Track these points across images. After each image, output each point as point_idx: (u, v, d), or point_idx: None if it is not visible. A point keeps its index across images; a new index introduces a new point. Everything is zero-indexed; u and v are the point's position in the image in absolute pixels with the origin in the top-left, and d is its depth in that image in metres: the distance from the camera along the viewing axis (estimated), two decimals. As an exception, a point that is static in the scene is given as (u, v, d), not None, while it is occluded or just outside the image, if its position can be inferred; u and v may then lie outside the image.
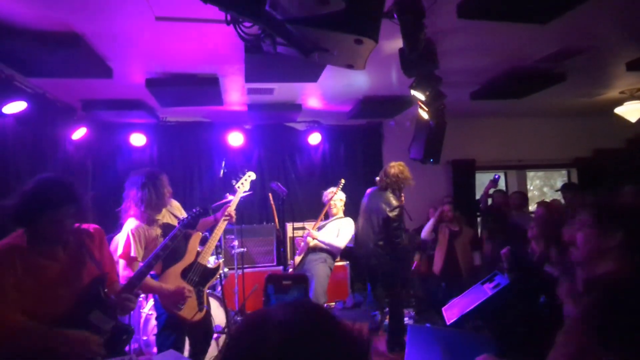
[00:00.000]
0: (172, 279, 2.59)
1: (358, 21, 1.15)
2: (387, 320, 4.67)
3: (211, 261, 4.23)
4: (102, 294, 1.81)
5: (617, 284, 1.21)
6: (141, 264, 2.22)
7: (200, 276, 2.68)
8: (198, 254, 2.80)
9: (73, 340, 1.66)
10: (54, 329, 1.64)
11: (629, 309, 0.87)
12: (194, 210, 2.54)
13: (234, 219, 3.10)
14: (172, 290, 2.53)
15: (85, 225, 1.91)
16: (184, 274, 2.64)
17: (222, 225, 3.01)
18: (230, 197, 3.91)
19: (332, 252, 4.05)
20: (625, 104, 5.34)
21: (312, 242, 4.04)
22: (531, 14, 2.78)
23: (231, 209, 3.12)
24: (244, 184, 3.37)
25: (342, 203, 4.31)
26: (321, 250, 4.01)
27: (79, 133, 5.05)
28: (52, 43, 3.14)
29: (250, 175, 3.46)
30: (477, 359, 1.97)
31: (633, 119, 5.43)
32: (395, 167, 4.17)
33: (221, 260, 3.51)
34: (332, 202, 4.23)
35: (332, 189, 4.36)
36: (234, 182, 3.31)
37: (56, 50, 3.22)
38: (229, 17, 1.26)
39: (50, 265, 1.73)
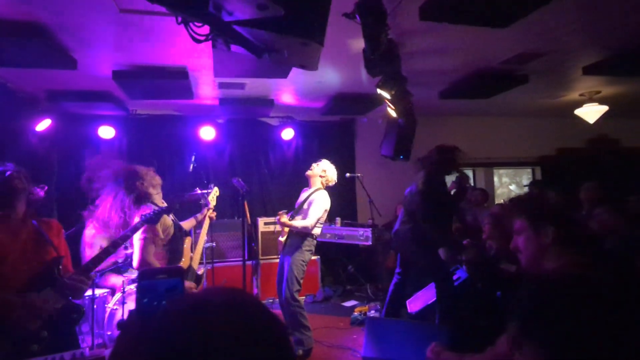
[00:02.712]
0: None
1: (302, 24, 1.19)
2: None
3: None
4: (56, 273, 1.91)
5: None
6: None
7: (194, 281, 2.78)
8: (191, 258, 2.89)
9: (21, 304, 1.74)
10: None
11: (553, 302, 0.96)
12: (157, 207, 2.57)
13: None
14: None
15: (45, 220, 2.05)
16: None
17: (204, 230, 3.27)
18: (198, 191, 3.97)
19: (306, 234, 3.83)
20: (585, 105, 5.60)
21: (283, 219, 3.86)
22: (490, 18, 2.89)
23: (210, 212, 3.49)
24: (212, 201, 3.62)
25: (322, 175, 3.99)
26: (297, 233, 3.84)
27: (43, 124, 4.92)
28: (13, 32, 3.06)
29: (216, 192, 3.70)
30: (428, 348, 2.08)
31: (591, 120, 5.69)
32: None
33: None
34: (309, 172, 4.02)
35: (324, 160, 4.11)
36: (202, 201, 3.60)
37: (17, 40, 3.14)
38: (179, 18, 1.28)
39: (11, 242, 1.84)
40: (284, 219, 3.82)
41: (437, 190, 3.83)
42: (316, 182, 4.01)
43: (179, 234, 3.00)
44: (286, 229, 3.96)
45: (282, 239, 4.02)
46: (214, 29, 1.28)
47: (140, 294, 1.04)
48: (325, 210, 3.94)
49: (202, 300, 0.60)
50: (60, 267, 1.94)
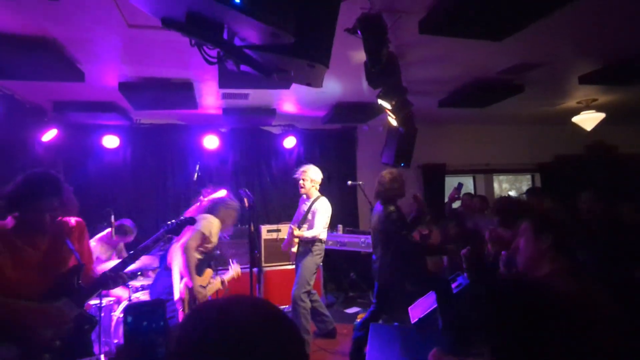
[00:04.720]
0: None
1: (310, 49, 1.28)
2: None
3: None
4: (75, 283, 1.94)
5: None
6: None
7: None
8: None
9: (38, 311, 1.78)
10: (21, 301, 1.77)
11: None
12: (180, 217, 2.60)
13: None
14: (201, 290, 3.15)
15: (67, 218, 2.06)
16: None
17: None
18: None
19: (315, 240, 4.10)
20: (582, 113, 5.68)
21: (297, 232, 4.11)
22: (487, 32, 2.98)
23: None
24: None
25: (313, 184, 4.17)
26: (307, 242, 4.11)
27: (50, 134, 5.00)
28: (23, 47, 3.14)
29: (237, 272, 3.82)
30: (430, 354, 2.14)
31: (588, 128, 5.77)
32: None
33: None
34: (303, 190, 4.20)
35: (305, 167, 4.23)
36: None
37: (27, 54, 3.23)
38: (192, 41, 1.36)
39: (31, 252, 1.86)
40: (297, 232, 4.08)
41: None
42: (312, 192, 4.23)
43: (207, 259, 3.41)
44: (295, 240, 4.19)
45: (294, 249, 4.20)
46: (226, 52, 1.36)
47: (138, 318, 1.18)
48: (329, 215, 4.18)
49: (229, 304, 0.69)
50: (80, 275, 1.96)
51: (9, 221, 1.87)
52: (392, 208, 3.67)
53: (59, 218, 1.98)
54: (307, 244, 4.08)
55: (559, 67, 4.13)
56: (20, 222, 1.85)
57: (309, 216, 4.16)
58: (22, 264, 1.82)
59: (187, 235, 3.14)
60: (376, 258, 3.85)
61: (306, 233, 4.08)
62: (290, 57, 1.29)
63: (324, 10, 1.34)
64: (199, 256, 3.24)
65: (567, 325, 0.96)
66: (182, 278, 3.14)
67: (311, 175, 4.17)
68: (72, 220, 2.08)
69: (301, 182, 4.18)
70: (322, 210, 4.11)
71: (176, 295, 3.09)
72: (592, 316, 1.44)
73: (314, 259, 4.07)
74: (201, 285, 3.17)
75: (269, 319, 0.68)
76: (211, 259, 3.41)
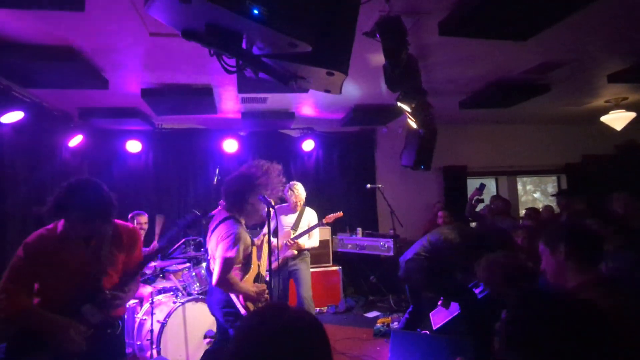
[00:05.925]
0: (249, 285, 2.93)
1: (328, 56, 1.26)
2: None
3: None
4: (98, 289, 1.95)
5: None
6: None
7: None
8: (258, 266, 3.10)
9: (58, 324, 1.82)
10: (49, 313, 1.84)
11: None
12: (194, 212, 2.54)
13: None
14: (256, 290, 2.84)
15: (121, 224, 2.09)
16: (254, 281, 3.02)
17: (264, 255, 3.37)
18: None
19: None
20: (611, 112, 5.47)
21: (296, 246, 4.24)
22: (509, 32, 2.90)
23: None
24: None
25: (301, 197, 4.35)
26: (302, 250, 4.31)
27: (76, 140, 5.15)
28: (50, 57, 3.25)
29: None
30: (453, 363, 2.10)
31: (618, 127, 5.55)
32: None
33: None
34: (300, 207, 4.34)
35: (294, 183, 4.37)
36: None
37: (54, 64, 3.33)
38: (212, 51, 1.37)
39: (72, 260, 1.91)
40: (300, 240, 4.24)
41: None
42: (299, 205, 4.37)
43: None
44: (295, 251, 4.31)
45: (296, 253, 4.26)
46: (244, 61, 1.35)
47: None
48: None
49: (272, 310, 0.94)
50: (102, 281, 1.96)
51: (60, 224, 1.92)
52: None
53: (114, 221, 2.03)
54: (303, 252, 4.31)
55: (587, 65, 3.98)
56: (66, 228, 1.91)
57: (305, 226, 4.35)
58: (62, 270, 1.88)
59: (217, 266, 2.91)
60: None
61: (312, 244, 4.35)
62: (309, 65, 1.27)
63: (342, 18, 1.33)
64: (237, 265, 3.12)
65: (596, 340, 0.97)
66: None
67: (302, 192, 4.33)
68: (124, 226, 2.10)
69: (294, 198, 4.29)
70: (316, 221, 4.39)
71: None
72: (621, 332, 1.36)
73: (309, 264, 4.37)
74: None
75: (305, 324, 0.88)
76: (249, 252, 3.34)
